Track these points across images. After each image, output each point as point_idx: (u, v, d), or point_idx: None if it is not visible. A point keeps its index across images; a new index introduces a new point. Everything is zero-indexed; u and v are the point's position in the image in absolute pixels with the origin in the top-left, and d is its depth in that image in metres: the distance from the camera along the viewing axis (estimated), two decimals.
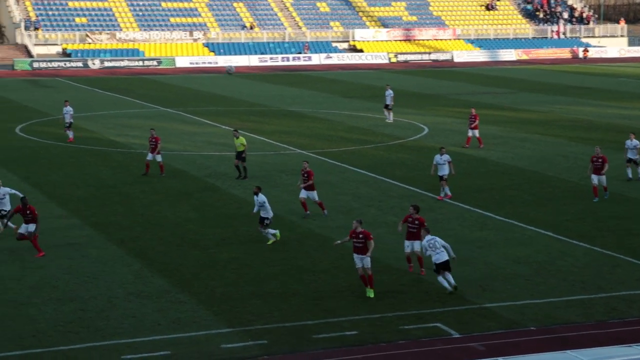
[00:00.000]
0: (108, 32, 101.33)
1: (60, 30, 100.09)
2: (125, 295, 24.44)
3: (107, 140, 49.95)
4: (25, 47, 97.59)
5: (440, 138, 50.36)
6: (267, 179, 39.57)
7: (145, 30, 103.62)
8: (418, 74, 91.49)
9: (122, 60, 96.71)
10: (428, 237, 24.70)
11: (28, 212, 28.55)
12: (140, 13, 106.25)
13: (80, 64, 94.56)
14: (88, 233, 30.74)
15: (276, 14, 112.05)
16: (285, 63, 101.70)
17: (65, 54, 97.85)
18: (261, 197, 29.45)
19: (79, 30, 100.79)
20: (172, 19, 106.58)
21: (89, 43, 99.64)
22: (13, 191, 31.28)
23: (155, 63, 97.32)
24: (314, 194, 33.09)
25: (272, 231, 29.55)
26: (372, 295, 24.00)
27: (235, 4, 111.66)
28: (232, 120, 57.32)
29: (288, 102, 67.84)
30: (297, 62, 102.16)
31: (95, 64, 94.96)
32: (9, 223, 30.12)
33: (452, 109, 62.49)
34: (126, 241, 29.77)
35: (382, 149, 47.73)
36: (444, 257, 24.27)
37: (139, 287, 25.08)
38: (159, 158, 40.26)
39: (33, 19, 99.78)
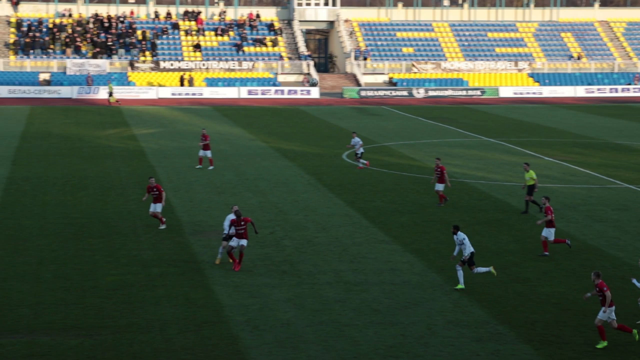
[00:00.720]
0: (434, 61, 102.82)
1: (388, 60, 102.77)
2: (444, 323, 24.48)
3: (429, 168, 50.46)
4: (354, 76, 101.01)
5: None
6: (591, 212, 38.44)
7: (470, 60, 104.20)
8: None
9: (446, 89, 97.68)
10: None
11: (242, 223, 29.21)
12: (466, 43, 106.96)
13: (405, 93, 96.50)
14: (409, 259, 31.14)
15: (605, 44, 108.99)
16: (613, 94, 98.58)
17: (391, 83, 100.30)
18: (460, 235, 28.12)
19: (405, 60, 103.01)
20: (497, 49, 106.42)
21: (415, 72, 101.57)
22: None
23: (478, 93, 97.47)
24: (550, 232, 31.57)
25: (482, 269, 28.26)
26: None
27: (563, 34, 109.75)
28: (554, 152, 56.25)
29: (615, 135, 65.63)
30: (626, 94, 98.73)
31: (419, 93, 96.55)
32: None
33: None
34: (446, 269, 29.84)
35: None
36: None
37: (457, 316, 25.05)
38: (440, 187, 40.19)
39: (362, 49, 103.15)
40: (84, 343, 22.67)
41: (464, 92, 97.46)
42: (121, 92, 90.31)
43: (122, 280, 28.00)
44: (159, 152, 55.04)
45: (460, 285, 27.75)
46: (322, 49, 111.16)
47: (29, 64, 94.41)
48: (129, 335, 23.25)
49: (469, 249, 27.89)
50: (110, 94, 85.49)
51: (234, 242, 29.47)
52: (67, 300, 26.00)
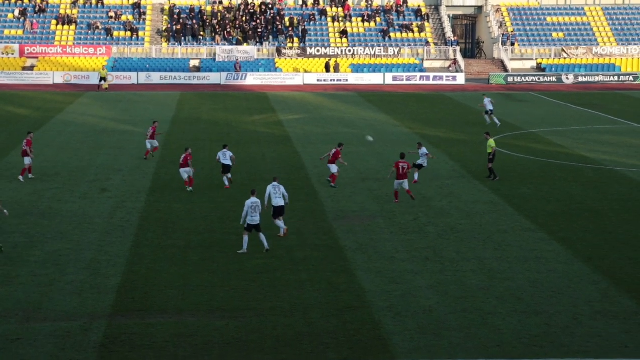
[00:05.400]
0: (585, 47, 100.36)
1: (537, 45, 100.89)
2: (591, 313, 23.93)
3: (578, 155, 49.40)
4: (502, 61, 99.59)
5: None
6: None
7: (623, 44, 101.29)
8: None
9: (597, 75, 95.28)
10: (275, 183, 31.51)
11: None
12: (619, 27, 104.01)
13: (554, 79, 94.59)
14: (555, 248, 30.55)
15: None
16: None
17: (540, 68, 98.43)
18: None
19: (554, 45, 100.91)
20: None
21: (564, 58, 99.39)
22: None
23: (631, 78, 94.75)
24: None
25: None
26: None
27: None
28: None
29: None
30: None
31: (569, 78, 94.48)
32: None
33: None
34: (594, 259, 29.17)
35: None
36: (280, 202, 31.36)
37: (605, 307, 24.45)
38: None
39: (511, 34, 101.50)
40: (229, 325, 23.09)
41: (616, 78, 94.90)
42: (268, 79, 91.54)
43: (267, 264, 28.39)
44: (304, 138, 55.55)
45: None
46: (469, 34, 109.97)
47: (180, 50, 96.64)
48: (272, 318, 23.56)
49: None
50: (104, 79, 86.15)
51: None
52: (213, 283, 26.54)
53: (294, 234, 32.19)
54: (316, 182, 41.52)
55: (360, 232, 32.52)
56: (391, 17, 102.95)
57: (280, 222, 31.79)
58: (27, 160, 41.62)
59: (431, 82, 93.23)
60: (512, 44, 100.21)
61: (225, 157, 40.65)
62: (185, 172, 39.64)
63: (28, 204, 36.69)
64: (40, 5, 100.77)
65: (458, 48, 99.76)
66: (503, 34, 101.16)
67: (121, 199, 37.76)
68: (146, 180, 41.88)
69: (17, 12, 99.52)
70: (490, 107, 61.90)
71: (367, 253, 29.81)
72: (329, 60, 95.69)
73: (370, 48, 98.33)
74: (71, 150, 50.40)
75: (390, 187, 39.97)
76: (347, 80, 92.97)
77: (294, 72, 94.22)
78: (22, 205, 36.39)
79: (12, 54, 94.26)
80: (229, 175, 40.90)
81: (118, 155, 48.75)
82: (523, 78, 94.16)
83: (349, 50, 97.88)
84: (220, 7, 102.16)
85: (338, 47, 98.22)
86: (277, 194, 31.63)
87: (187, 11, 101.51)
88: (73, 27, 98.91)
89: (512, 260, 29.00)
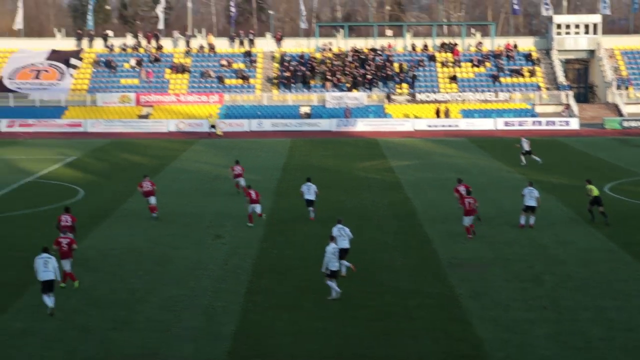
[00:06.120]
0: None
1: None
2: None
3: None
4: (616, 105, 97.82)
5: None
6: None
7: None
8: None
9: None
10: (340, 226, 31.96)
11: None
12: None
13: None
14: None
15: None
16: None
17: None
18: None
19: None
20: None
21: None
22: None
23: None
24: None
25: None
26: None
27: None
28: None
29: None
30: None
31: None
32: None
33: None
34: None
35: None
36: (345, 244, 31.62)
37: None
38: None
39: (625, 77, 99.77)
40: None
41: None
42: (378, 125, 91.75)
43: (380, 312, 28.20)
44: (415, 184, 55.31)
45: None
46: (581, 78, 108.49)
47: (290, 97, 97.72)
48: None
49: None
50: (213, 126, 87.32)
51: None
52: (327, 330, 26.47)
53: (406, 281, 31.96)
54: (428, 228, 41.20)
55: (474, 279, 32.10)
56: (501, 61, 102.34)
57: (345, 262, 31.87)
58: (154, 200, 44.45)
59: (544, 127, 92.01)
60: (627, 88, 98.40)
61: (310, 191, 42.47)
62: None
63: (145, 250, 37.32)
64: (155, 54, 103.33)
65: (571, 92, 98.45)
66: (617, 78, 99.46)
67: (235, 245, 38.11)
68: (259, 227, 42.18)
69: (133, 62, 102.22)
70: (526, 147, 64.21)
71: (481, 301, 29.38)
72: (439, 105, 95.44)
73: (481, 93, 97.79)
74: (186, 196, 51.20)
75: (506, 234, 39.49)
76: (457, 126, 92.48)
77: (404, 117, 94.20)
78: (139, 252, 37.03)
79: (129, 103, 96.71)
80: (311, 208, 42.88)
81: (231, 201, 49.29)
82: (639, 122, 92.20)
83: (459, 96, 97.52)
84: (330, 54, 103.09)
85: (448, 93, 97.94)
86: (342, 236, 31.77)
87: (297, 58, 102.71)
88: (186, 75, 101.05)
89: (633, 309, 28.20)
